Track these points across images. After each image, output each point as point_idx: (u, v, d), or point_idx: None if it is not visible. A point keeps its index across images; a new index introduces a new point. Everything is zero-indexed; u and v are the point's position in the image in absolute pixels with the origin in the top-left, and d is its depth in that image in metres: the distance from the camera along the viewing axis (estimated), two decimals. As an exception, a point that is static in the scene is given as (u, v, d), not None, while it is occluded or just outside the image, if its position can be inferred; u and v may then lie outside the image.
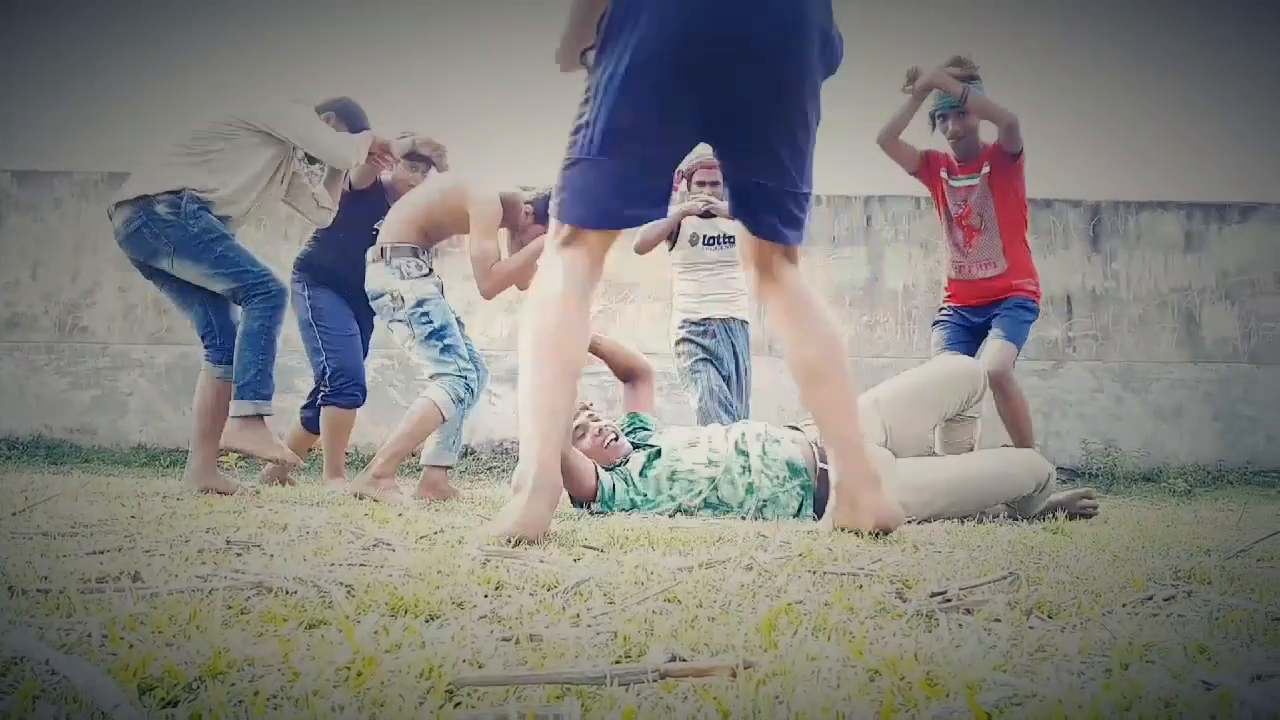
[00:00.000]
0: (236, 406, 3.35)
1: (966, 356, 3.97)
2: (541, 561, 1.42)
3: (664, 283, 7.92)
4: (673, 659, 0.77)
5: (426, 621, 0.96)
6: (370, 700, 0.68)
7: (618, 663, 0.81)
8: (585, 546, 1.62)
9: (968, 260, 4.36)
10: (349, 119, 4.27)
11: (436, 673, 0.74)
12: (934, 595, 1.10)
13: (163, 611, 0.94)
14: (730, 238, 4.94)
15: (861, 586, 1.24)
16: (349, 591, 1.13)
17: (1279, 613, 1.06)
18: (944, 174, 4.40)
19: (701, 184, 4.96)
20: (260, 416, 3.37)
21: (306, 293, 4.38)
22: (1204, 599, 1.17)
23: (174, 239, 3.43)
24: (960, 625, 0.97)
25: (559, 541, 1.73)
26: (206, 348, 3.47)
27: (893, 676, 0.75)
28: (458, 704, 0.70)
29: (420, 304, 3.57)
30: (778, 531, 2.05)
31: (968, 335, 4.40)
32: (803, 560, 1.48)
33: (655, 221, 4.84)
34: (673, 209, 4.91)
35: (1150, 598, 1.19)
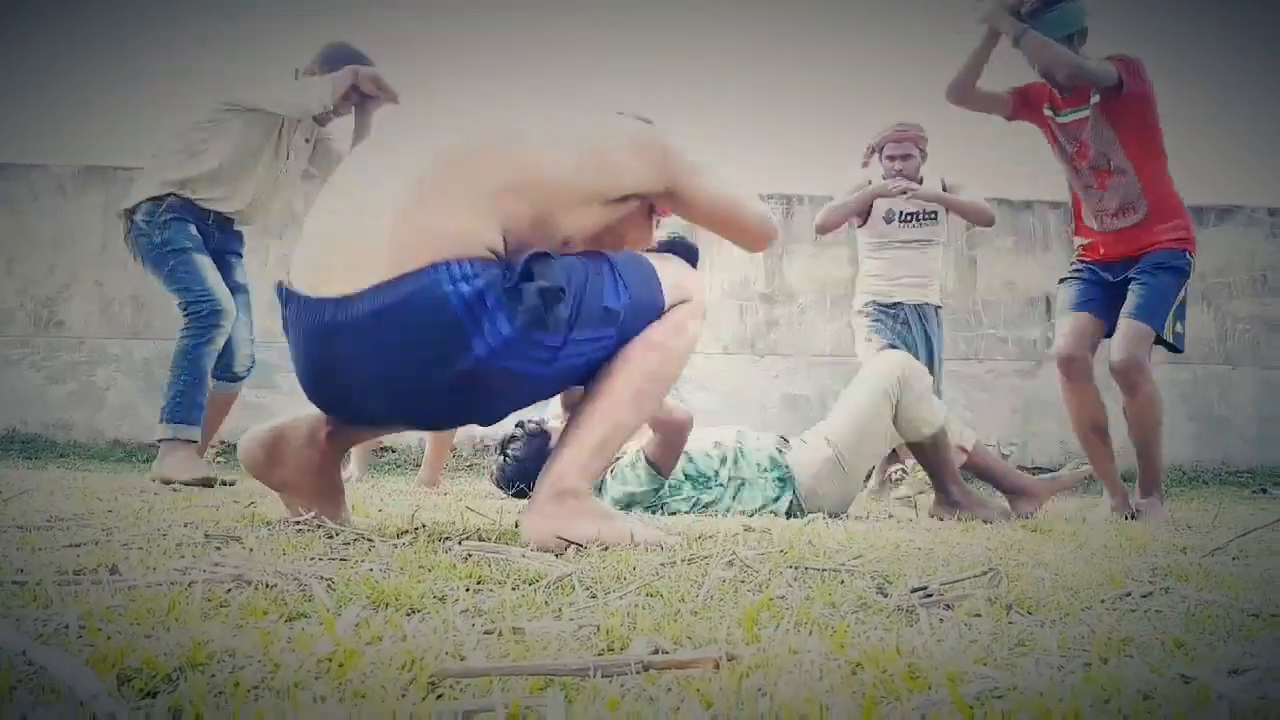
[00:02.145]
0: (158, 430, 3.43)
1: (889, 353, 3.37)
2: (523, 556, 1.41)
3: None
4: (656, 651, 0.77)
5: (408, 615, 0.96)
6: (352, 692, 0.68)
7: (601, 655, 0.81)
8: (562, 540, 1.61)
9: (1104, 206, 3.57)
10: (335, 64, 3.66)
11: (418, 664, 0.74)
12: (915, 590, 1.10)
13: (141, 603, 0.93)
14: (931, 213, 4.60)
15: (843, 582, 1.24)
16: (329, 585, 1.13)
17: (1255, 609, 1.07)
18: (1048, 110, 3.65)
19: (892, 158, 4.56)
20: (183, 441, 3.38)
21: None
22: (1181, 595, 1.18)
23: (143, 249, 3.50)
24: (941, 620, 0.98)
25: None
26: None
27: (875, 669, 0.75)
28: (440, 695, 0.69)
29: None
30: (759, 528, 2.06)
31: (1101, 294, 3.63)
32: (784, 556, 1.48)
33: (839, 202, 4.63)
34: (860, 189, 4.57)
35: (1128, 594, 1.20)
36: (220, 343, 3.49)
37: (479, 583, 1.20)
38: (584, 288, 1.68)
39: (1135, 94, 3.46)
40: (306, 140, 3.74)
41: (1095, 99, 3.51)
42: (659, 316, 1.79)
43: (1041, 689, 0.69)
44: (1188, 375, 8.07)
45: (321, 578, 1.18)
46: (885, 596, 1.10)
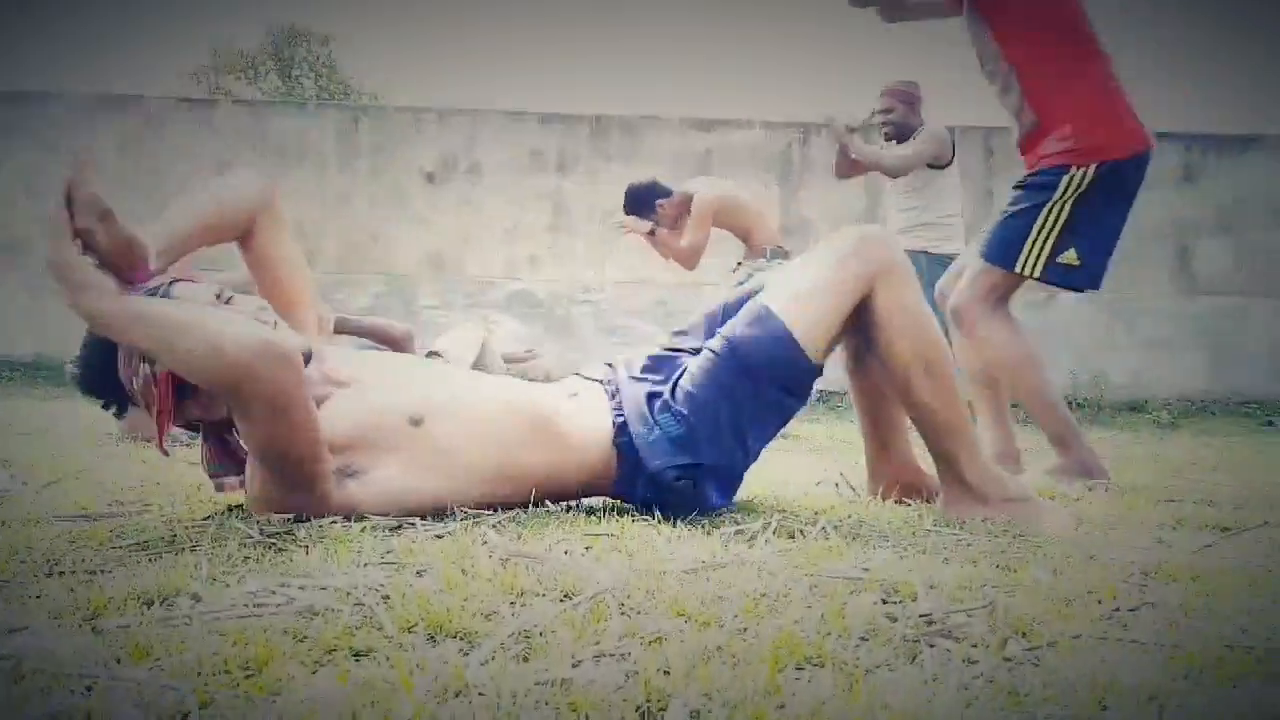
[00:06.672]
0: None
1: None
2: (566, 553, 1.53)
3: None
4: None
5: (463, 653, 1.07)
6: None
7: (638, 709, 0.91)
8: (593, 535, 1.72)
9: (1013, 124, 2.95)
10: None
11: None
12: (921, 616, 1.20)
13: (229, 637, 1.04)
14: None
15: (854, 593, 1.35)
16: (386, 601, 1.24)
17: (1231, 640, 1.17)
18: None
19: (879, 112, 4.97)
20: None
21: None
22: (1166, 615, 1.28)
23: None
24: (947, 660, 1.08)
25: (569, 530, 1.84)
26: None
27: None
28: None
29: None
30: (770, 520, 2.16)
31: None
32: (801, 564, 1.59)
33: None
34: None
35: (1116, 610, 1.30)
36: None
37: (520, 595, 1.31)
38: None
39: None
40: None
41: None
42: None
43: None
44: (1204, 307, 8.11)
45: (377, 590, 1.29)
46: (894, 622, 1.20)
